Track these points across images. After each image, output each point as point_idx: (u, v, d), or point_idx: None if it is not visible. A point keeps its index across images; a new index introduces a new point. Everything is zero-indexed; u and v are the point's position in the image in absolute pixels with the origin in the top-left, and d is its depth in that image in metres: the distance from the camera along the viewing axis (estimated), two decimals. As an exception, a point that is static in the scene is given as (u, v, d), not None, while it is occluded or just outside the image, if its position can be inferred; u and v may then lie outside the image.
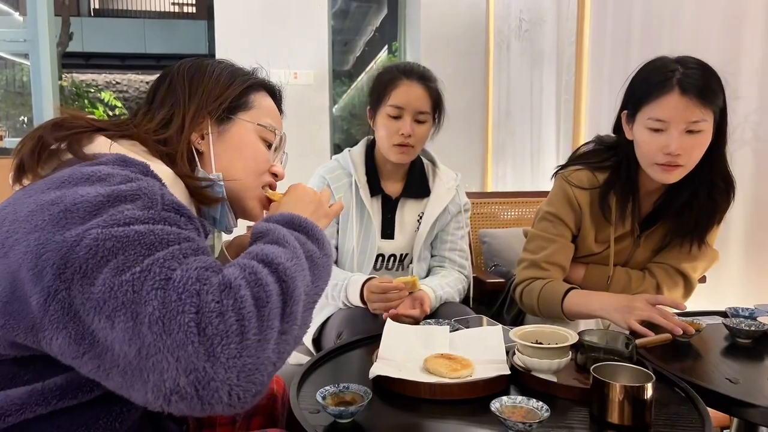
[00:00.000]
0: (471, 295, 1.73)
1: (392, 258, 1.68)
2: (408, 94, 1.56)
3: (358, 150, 1.71)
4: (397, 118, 1.56)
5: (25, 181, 0.80)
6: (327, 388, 0.93)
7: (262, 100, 0.99)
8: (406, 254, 1.70)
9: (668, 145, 1.29)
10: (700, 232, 1.44)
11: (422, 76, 1.59)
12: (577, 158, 1.54)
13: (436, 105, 1.61)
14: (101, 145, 0.83)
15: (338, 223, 1.66)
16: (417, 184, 1.69)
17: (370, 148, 1.70)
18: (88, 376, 0.65)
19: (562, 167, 1.54)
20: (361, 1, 9.01)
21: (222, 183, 0.93)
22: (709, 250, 1.48)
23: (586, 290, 1.44)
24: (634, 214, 1.45)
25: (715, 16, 1.94)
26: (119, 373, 0.62)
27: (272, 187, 1.00)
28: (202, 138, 0.92)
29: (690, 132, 1.29)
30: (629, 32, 2.39)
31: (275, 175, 1.00)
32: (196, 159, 0.92)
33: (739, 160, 1.88)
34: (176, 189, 0.85)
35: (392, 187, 1.69)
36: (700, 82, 1.27)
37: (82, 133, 0.83)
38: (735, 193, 1.42)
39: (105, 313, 0.62)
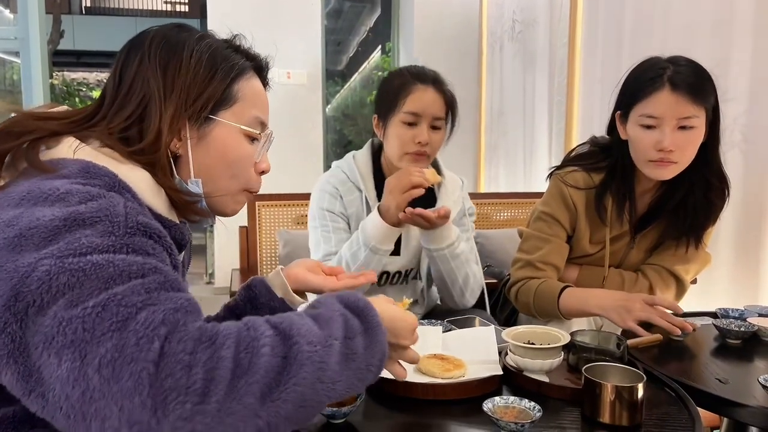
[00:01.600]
0: (487, 300, 1.61)
1: (397, 274, 1.60)
2: (423, 99, 1.46)
3: (364, 159, 1.59)
4: (412, 125, 1.46)
5: None
6: None
7: (246, 88, 0.86)
8: (412, 269, 1.61)
9: (661, 141, 1.31)
10: (697, 231, 1.45)
11: (436, 80, 1.49)
12: (572, 159, 1.55)
13: (450, 110, 1.51)
14: (65, 148, 0.74)
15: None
16: (424, 195, 1.52)
17: (376, 155, 1.59)
18: (38, 415, 0.59)
19: (558, 168, 1.55)
20: (354, 1, 9.00)
21: (203, 198, 0.85)
22: (702, 252, 1.49)
23: (582, 288, 1.45)
24: (630, 214, 1.46)
25: (705, 18, 1.96)
26: (63, 415, 0.56)
27: (253, 191, 0.90)
28: (179, 140, 0.81)
29: (682, 128, 1.31)
30: (620, 34, 2.41)
31: (262, 172, 0.91)
32: (173, 165, 0.82)
33: (728, 161, 1.88)
34: (155, 197, 0.77)
35: None
36: (691, 79, 1.29)
37: (38, 139, 0.74)
38: (730, 192, 1.43)
39: (53, 350, 0.56)
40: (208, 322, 0.68)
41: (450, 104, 1.50)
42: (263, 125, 0.89)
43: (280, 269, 1.05)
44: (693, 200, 1.40)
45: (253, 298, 0.98)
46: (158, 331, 0.57)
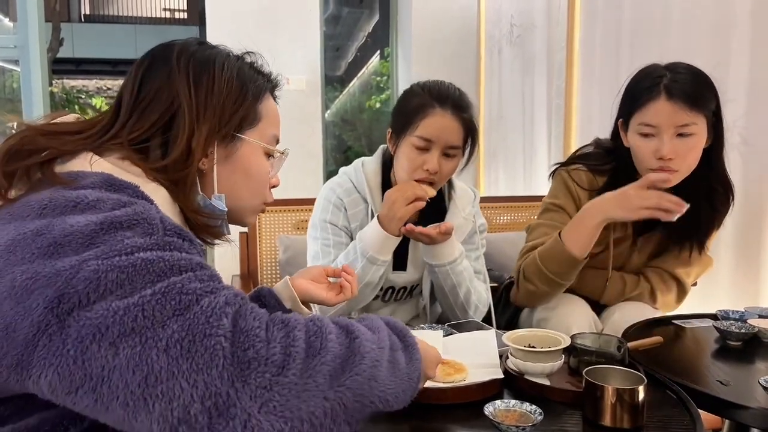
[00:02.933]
0: (494, 320, 1.52)
1: (402, 290, 1.56)
2: (439, 125, 1.36)
3: (374, 169, 1.52)
4: (423, 150, 1.38)
5: None
6: None
7: (267, 108, 0.89)
8: (417, 285, 1.56)
9: (659, 149, 1.31)
10: (700, 237, 1.45)
11: (457, 105, 1.39)
12: (577, 158, 1.55)
13: (468, 137, 1.43)
14: (81, 161, 0.73)
15: None
16: (434, 209, 1.50)
17: (386, 166, 1.52)
18: (83, 413, 0.59)
19: (562, 164, 1.55)
20: (353, 7, 9.03)
21: (225, 215, 0.86)
22: (704, 256, 1.49)
23: (574, 222, 1.38)
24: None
25: (704, 20, 1.96)
26: (120, 405, 0.56)
27: (268, 202, 0.93)
28: (206, 156, 0.81)
29: (681, 136, 1.31)
30: (619, 37, 2.41)
31: (273, 186, 0.95)
32: (197, 183, 0.81)
33: (728, 163, 1.90)
34: (171, 215, 0.77)
35: None
36: (687, 87, 1.29)
37: (48, 161, 0.72)
38: (734, 197, 1.44)
39: (107, 340, 0.56)
40: None
41: (469, 131, 1.41)
42: (278, 142, 0.93)
43: (288, 279, 1.06)
44: (697, 207, 1.39)
45: (262, 307, 0.98)
46: (225, 309, 0.59)
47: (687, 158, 1.33)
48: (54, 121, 0.80)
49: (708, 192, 1.40)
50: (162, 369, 0.56)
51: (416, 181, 1.40)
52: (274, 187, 0.94)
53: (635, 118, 1.35)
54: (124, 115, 0.79)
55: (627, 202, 1.28)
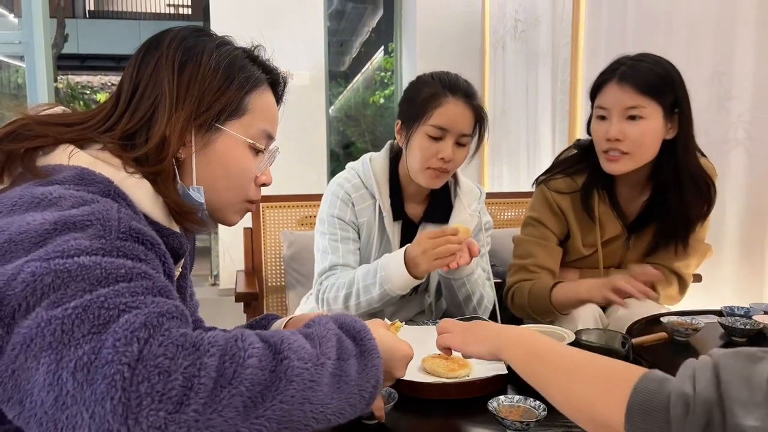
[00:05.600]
0: (498, 316, 1.49)
1: None
2: (453, 114, 1.37)
3: (381, 164, 1.51)
4: (437, 139, 1.38)
5: None
6: None
7: (258, 101, 0.85)
8: (422, 282, 1.50)
9: (608, 130, 1.35)
10: (681, 233, 1.45)
11: (467, 94, 1.39)
12: (554, 166, 1.57)
13: (477, 124, 1.43)
14: (60, 154, 0.73)
15: (359, 249, 1.51)
16: (440, 205, 1.52)
17: (394, 161, 1.51)
18: (17, 425, 0.55)
19: (542, 175, 1.57)
20: (356, 2, 9.02)
21: (204, 206, 0.83)
22: (701, 245, 1.49)
23: (568, 289, 1.42)
24: (618, 212, 1.46)
25: (709, 16, 1.95)
26: (36, 423, 0.52)
27: (253, 200, 0.89)
28: (183, 145, 0.80)
29: (631, 118, 1.34)
30: (624, 32, 2.40)
31: (262, 184, 0.90)
32: (177, 172, 0.80)
33: (732, 159, 1.89)
34: (154, 205, 0.76)
35: (414, 209, 1.53)
36: (641, 74, 1.33)
37: (38, 147, 0.73)
38: (713, 191, 1.43)
39: (32, 352, 0.52)
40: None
41: (479, 119, 1.42)
42: (270, 139, 0.88)
43: (283, 322, 1.01)
44: (669, 201, 1.41)
45: (266, 327, 0.98)
46: (138, 333, 0.53)
47: (640, 144, 1.34)
48: (45, 112, 0.80)
49: (676, 184, 1.40)
50: (68, 393, 0.51)
51: (430, 169, 1.40)
52: (264, 185, 0.90)
53: (595, 103, 1.41)
54: (122, 105, 0.79)
55: (605, 288, 1.31)
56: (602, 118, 1.38)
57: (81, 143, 0.75)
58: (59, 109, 0.83)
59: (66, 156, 0.73)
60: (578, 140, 1.59)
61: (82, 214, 0.62)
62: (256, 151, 0.86)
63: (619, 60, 1.40)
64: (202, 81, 0.79)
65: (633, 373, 0.66)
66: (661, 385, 0.63)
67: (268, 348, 0.59)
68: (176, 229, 0.81)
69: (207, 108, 0.79)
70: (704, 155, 1.49)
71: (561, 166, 1.54)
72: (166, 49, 0.79)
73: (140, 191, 0.74)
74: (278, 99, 0.92)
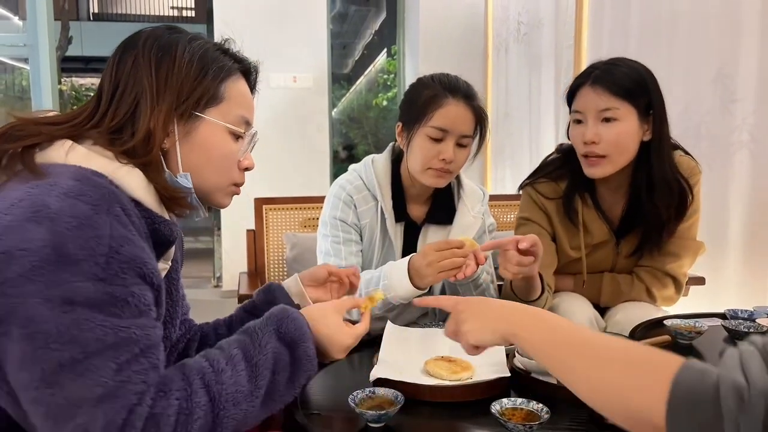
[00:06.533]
0: None
1: None
2: (453, 115, 1.37)
3: (383, 166, 1.51)
4: (438, 140, 1.38)
5: None
6: (357, 392, 0.92)
7: (233, 89, 0.90)
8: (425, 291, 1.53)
9: (584, 133, 1.36)
10: (656, 235, 1.44)
11: (467, 95, 1.40)
12: (537, 171, 1.57)
13: (478, 125, 1.43)
14: (57, 151, 0.78)
15: (362, 251, 1.51)
16: (443, 207, 1.52)
17: (396, 163, 1.51)
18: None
19: (527, 179, 1.57)
20: (359, 5, 9.04)
21: (192, 191, 0.89)
22: (692, 243, 1.49)
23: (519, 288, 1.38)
24: (603, 216, 1.46)
25: (712, 18, 1.95)
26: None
27: (238, 184, 0.94)
28: (167, 135, 0.85)
29: (606, 121, 1.35)
30: (627, 35, 2.40)
31: (246, 168, 0.95)
32: (163, 162, 0.86)
33: (736, 162, 1.89)
34: (146, 193, 0.82)
35: (417, 210, 1.52)
36: (614, 77, 1.35)
37: (35, 144, 0.78)
38: (687, 191, 1.41)
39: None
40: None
41: (479, 120, 1.42)
42: (248, 125, 0.93)
43: (297, 276, 1.10)
44: (644, 203, 1.41)
45: (271, 302, 1.03)
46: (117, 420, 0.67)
47: (616, 145, 1.35)
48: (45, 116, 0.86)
49: (648, 187, 1.40)
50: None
51: (432, 169, 1.39)
52: (246, 169, 0.94)
53: (572, 107, 1.42)
54: (104, 104, 0.84)
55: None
56: (578, 122, 1.40)
57: (76, 139, 0.80)
58: (52, 113, 0.87)
59: (63, 151, 0.78)
60: (560, 145, 1.60)
61: (75, 246, 0.68)
62: (236, 137, 0.91)
63: (593, 65, 1.42)
64: (179, 73, 0.84)
65: (671, 361, 0.61)
66: (704, 376, 0.58)
67: (210, 400, 0.74)
68: (167, 216, 0.86)
69: (186, 98, 0.85)
70: (687, 153, 1.49)
71: (544, 170, 1.55)
72: (142, 48, 0.85)
73: (133, 181, 0.80)
74: (252, 87, 0.97)
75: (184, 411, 0.71)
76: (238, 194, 0.96)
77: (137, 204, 0.80)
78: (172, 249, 0.89)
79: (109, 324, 0.69)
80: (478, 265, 1.30)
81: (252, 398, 0.78)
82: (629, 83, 1.35)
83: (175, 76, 0.84)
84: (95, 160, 0.78)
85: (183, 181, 0.87)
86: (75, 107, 0.95)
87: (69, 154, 0.78)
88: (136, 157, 0.82)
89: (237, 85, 0.91)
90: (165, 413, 0.70)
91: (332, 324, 0.91)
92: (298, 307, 1.00)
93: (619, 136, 1.35)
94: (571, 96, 1.43)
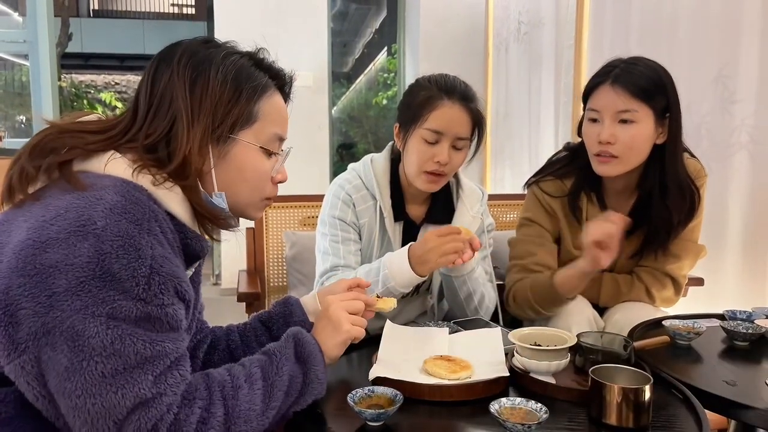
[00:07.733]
0: (501, 317, 1.50)
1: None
2: (448, 117, 1.36)
3: (382, 165, 1.51)
4: (433, 142, 1.38)
5: (19, 195, 0.79)
6: (356, 391, 0.92)
7: (267, 106, 0.90)
8: (424, 282, 1.49)
9: (600, 132, 1.35)
10: (664, 237, 1.44)
11: (464, 96, 1.39)
12: (544, 168, 1.57)
13: (476, 128, 1.42)
14: (96, 162, 0.79)
15: (360, 250, 1.51)
16: (441, 206, 1.52)
17: (395, 162, 1.51)
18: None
19: (534, 176, 1.57)
20: (360, 3, 9.02)
21: (227, 210, 0.90)
22: (694, 245, 1.49)
23: (569, 272, 1.39)
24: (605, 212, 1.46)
25: (713, 19, 1.95)
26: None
27: (271, 197, 0.96)
28: (202, 159, 0.86)
29: (623, 122, 1.34)
30: (627, 35, 2.40)
31: (279, 182, 0.97)
32: (199, 184, 0.86)
33: (736, 163, 1.89)
34: (184, 210, 0.84)
35: (416, 210, 1.53)
36: (634, 77, 1.33)
37: (68, 160, 0.79)
38: (697, 197, 1.42)
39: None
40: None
41: (477, 122, 1.41)
42: (281, 140, 0.94)
43: (316, 294, 1.12)
44: (653, 206, 1.41)
45: (288, 315, 1.07)
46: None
47: (631, 147, 1.34)
48: (78, 120, 0.86)
49: (662, 189, 1.40)
50: None
51: (427, 173, 1.40)
52: (280, 182, 0.96)
53: (587, 105, 1.40)
54: (140, 118, 0.85)
55: (587, 255, 1.29)
56: (594, 120, 1.38)
57: (118, 152, 0.81)
58: (94, 116, 0.88)
59: (103, 162, 0.79)
60: (568, 143, 1.60)
61: (120, 264, 0.71)
62: (270, 153, 0.92)
63: (612, 63, 1.40)
64: (213, 95, 0.84)
65: None
66: None
67: (224, 417, 0.78)
68: (198, 231, 0.88)
69: (221, 122, 0.85)
70: (693, 156, 1.49)
71: (551, 167, 1.54)
72: (177, 65, 0.84)
73: (172, 200, 0.82)
74: (286, 97, 0.97)
75: (203, 420, 0.76)
76: (269, 206, 0.98)
77: (171, 217, 0.82)
78: (198, 262, 0.92)
79: (147, 338, 0.73)
80: (474, 250, 1.33)
81: (263, 417, 0.82)
82: (649, 84, 1.34)
83: (209, 99, 0.84)
84: (138, 176, 0.80)
85: (218, 201, 0.88)
86: (113, 114, 0.97)
87: (109, 164, 0.79)
88: (174, 179, 0.83)
89: (272, 102, 0.91)
90: (188, 420, 0.75)
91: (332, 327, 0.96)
92: (312, 324, 1.01)
93: (634, 138, 1.34)
94: (587, 93, 1.42)
